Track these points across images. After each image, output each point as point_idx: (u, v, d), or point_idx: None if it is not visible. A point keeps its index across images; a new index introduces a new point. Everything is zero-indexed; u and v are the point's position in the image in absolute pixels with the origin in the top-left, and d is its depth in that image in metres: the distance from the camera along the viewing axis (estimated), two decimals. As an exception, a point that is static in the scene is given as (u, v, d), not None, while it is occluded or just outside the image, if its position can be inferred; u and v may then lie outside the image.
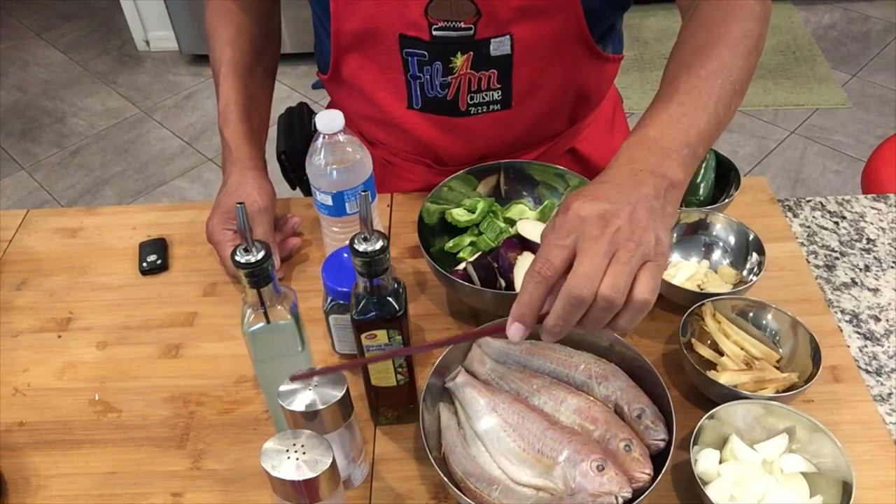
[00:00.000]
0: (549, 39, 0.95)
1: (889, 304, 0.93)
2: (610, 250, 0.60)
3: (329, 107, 1.21)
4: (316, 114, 1.27)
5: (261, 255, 0.65)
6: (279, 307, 0.69)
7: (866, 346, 0.89)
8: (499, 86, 0.98)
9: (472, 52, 0.94)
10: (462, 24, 0.92)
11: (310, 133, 1.25)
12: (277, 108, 1.22)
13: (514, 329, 0.63)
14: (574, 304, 0.60)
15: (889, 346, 0.88)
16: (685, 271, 0.93)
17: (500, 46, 0.94)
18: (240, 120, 1.02)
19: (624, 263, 0.59)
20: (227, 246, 0.96)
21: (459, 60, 0.95)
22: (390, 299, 0.71)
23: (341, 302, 0.82)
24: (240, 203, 0.66)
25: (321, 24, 1.04)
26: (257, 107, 1.07)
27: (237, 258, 0.65)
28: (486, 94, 0.99)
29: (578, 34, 0.97)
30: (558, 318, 0.61)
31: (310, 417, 0.66)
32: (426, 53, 0.95)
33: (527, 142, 1.08)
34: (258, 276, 0.66)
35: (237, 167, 1.00)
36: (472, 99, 0.99)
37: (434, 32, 0.93)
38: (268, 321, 0.69)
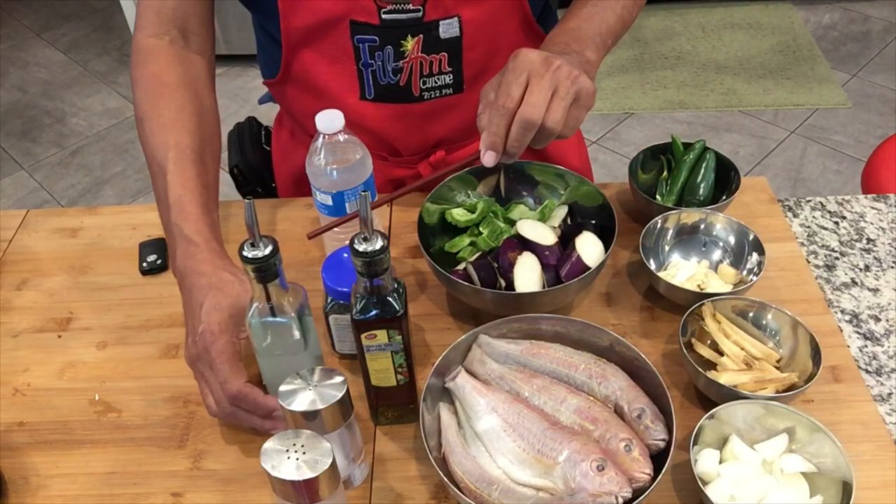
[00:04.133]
0: (495, 20, 0.98)
1: (889, 304, 0.93)
2: (552, 84, 0.79)
3: (281, 117, 1.21)
4: (265, 127, 1.27)
5: (268, 249, 0.65)
6: (285, 304, 0.69)
7: (866, 346, 0.89)
8: (450, 69, 1.00)
9: (422, 35, 0.96)
10: (410, 6, 0.93)
11: (262, 146, 1.25)
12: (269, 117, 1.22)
13: (488, 156, 0.83)
14: (526, 127, 0.79)
15: (889, 346, 0.88)
16: (685, 271, 0.93)
17: (448, 29, 0.96)
18: (200, 214, 0.85)
19: (561, 98, 0.79)
20: (234, 366, 0.76)
21: (410, 44, 0.96)
22: (390, 299, 0.71)
23: (341, 302, 0.82)
24: (248, 199, 0.66)
25: (263, 29, 1.03)
26: (214, 198, 0.91)
27: (244, 253, 0.65)
28: (438, 78, 1.00)
29: (521, 15, 1.00)
30: (514, 139, 0.81)
31: (310, 417, 0.66)
32: (377, 38, 0.96)
33: (475, 127, 1.08)
34: (265, 271, 0.66)
35: (215, 266, 0.80)
36: (424, 84, 1.00)
37: (383, 16, 0.94)
38: (273, 316, 0.69)
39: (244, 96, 3.10)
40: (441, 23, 0.95)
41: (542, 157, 1.14)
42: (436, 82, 1.00)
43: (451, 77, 1.00)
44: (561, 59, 0.81)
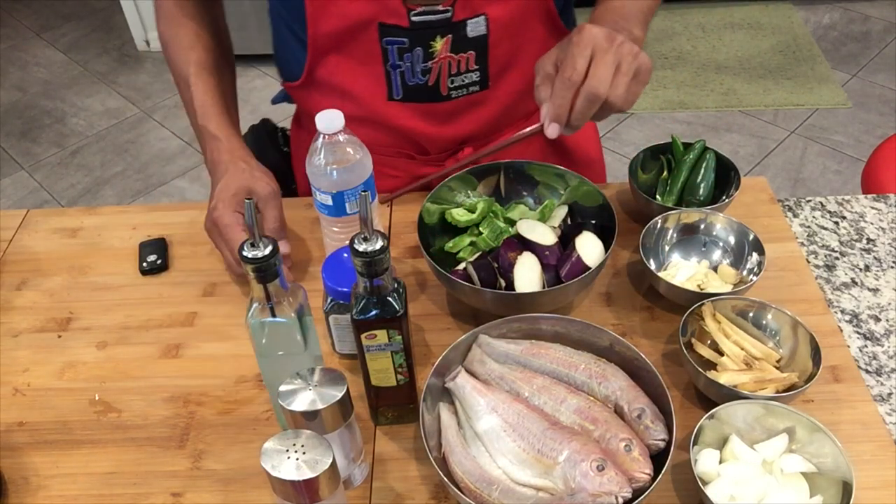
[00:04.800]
0: (521, 17, 0.99)
1: (889, 304, 0.93)
2: (616, 60, 0.80)
3: (296, 114, 1.21)
4: (281, 129, 1.27)
5: (268, 249, 0.65)
6: (285, 304, 0.69)
7: (866, 346, 0.89)
8: (476, 67, 1.01)
9: (450, 35, 0.96)
10: (440, 7, 0.94)
11: (279, 148, 1.26)
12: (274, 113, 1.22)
13: (553, 128, 0.84)
14: (591, 101, 0.80)
15: (889, 346, 0.88)
16: (685, 271, 0.93)
17: (476, 27, 0.96)
18: (221, 114, 1.01)
19: (624, 74, 0.81)
20: (237, 230, 0.90)
21: (439, 44, 0.97)
22: (390, 299, 0.71)
23: (341, 302, 0.82)
24: (249, 198, 0.66)
25: (290, 31, 1.04)
26: (234, 105, 1.07)
27: (244, 253, 0.65)
28: (465, 77, 1.01)
29: (545, 11, 1.01)
30: (578, 112, 0.82)
31: (310, 417, 0.66)
32: (406, 40, 0.96)
33: (503, 122, 1.10)
34: (265, 271, 0.66)
35: (234, 156, 0.96)
36: (452, 82, 1.01)
37: (413, 18, 0.94)
38: (273, 315, 0.69)
39: (243, 97, 3.07)
40: (469, 22, 0.96)
41: (563, 145, 1.16)
42: (463, 80, 1.01)
43: (478, 74, 1.01)
44: (622, 36, 0.82)
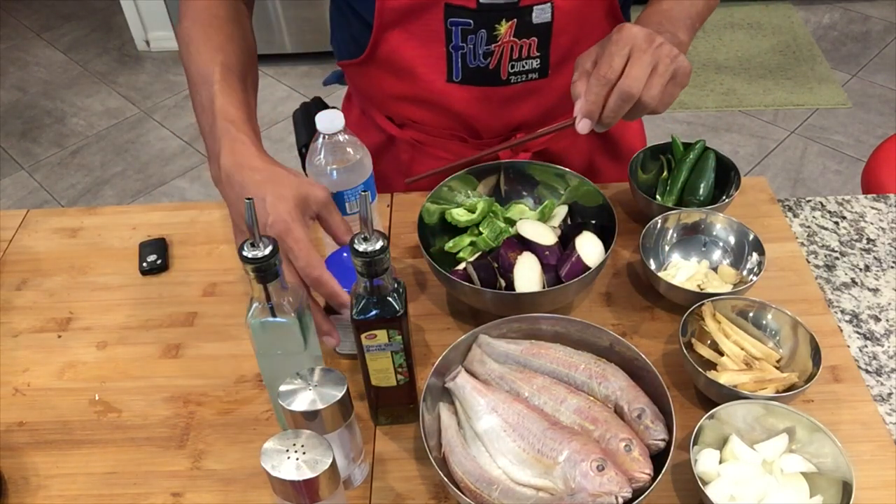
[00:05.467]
0: (586, 7, 0.99)
1: (889, 304, 0.93)
2: (653, 61, 0.80)
3: (350, 95, 1.22)
4: (332, 108, 1.28)
5: (268, 249, 0.65)
6: (285, 304, 0.69)
7: (866, 346, 0.89)
8: (538, 54, 1.01)
9: (515, 20, 0.97)
10: None
11: None
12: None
13: (584, 123, 0.84)
14: (624, 99, 0.80)
15: (889, 346, 0.88)
16: (685, 271, 0.93)
17: (541, 14, 0.97)
18: (247, 119, 0.89)
19: (660, 75, 0.81)
20: (307, 247, 0.76)
21: (503, 28, 0.97)
22: (390, 299, 0.71)
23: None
24: (248, 198, 0.66)
25: (350, 7, 1.04)
26: (255, 116, 0.94)
27: (244, 252, 0.65)
28: (526, 63, 1.01)
29: (609, 4, 1.01)
30: (610, 110, 0.81)
31: (310, 417, 0.66)
32: (471, 22, 0.97)
33: (558, 112, 1.10)
34: (265, 271, 0.66)
35: (267, 161, 0.83)
36: (512, 67, 1.01)
37: (481, 0, 0.95)
38: (273, 315, 0.69)
39: (244, 96, 3.09)
40: (535, 8, 0.96)
41: (611, 138, 1.17)
42: (523, 66, 1.02)
43: (538, 62, 1.02)
44: (662, 37, 0.83)
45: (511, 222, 0.97)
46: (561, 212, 0.98)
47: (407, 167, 1.15)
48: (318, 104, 1.28)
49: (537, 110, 1.08)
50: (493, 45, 0.98)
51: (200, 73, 0.92)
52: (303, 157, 1.22)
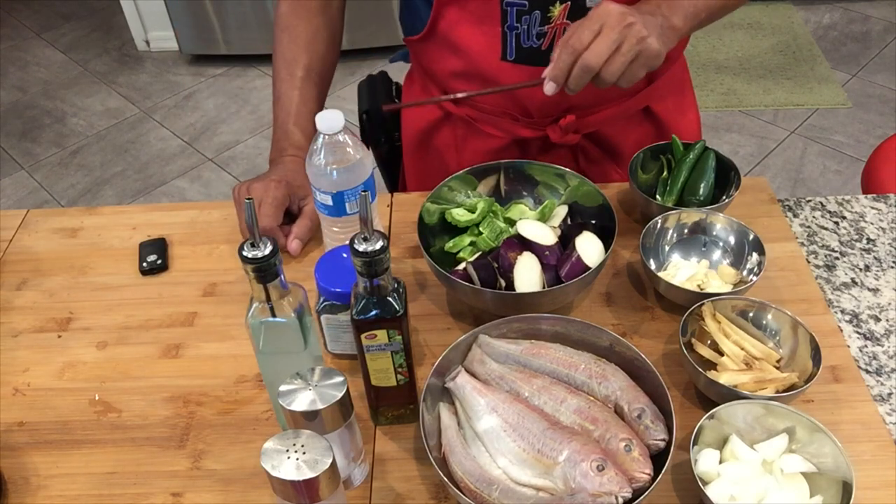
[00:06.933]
0: None
1: (889, 304, 0.93)
2: (619, 39, 0.84)
3: (412, 73, 1.25)
4: (396, 83, 1.33)
5: (268, 249, 0.65)
6: (285, 303, 0.69)
7: (866, 346, 0.89)
8: None
9: (570, 2, 0.98)
10: None
11: (392, 99, 1.31)
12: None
13: (549, 86, 0.89)
14: (585, 70, 0.86)
15: (889, 346, 0.88)
16: (685, 271, 0.93)
17: None
18: (308, 125, 1.07)
19: (622, 54, 0.85)
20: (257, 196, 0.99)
21: (557, 10, 0.99)
22: (390, 299, 0.71)
23: (334, 302, 0.82)
24: (248, 198, 0.66)
25: None
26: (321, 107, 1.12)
27: (244, 253, 0.66)
28: None
29: None
30: (573, 78, 0.87)
31: (310, 417, 0.66)
32: (526, 3, 0.99)
33: (608, 96, 1.11)
34: (265, 271, 0.66)
35: (299, 170, 1.03)
36: None
37: None
38: (273, 316, 0.69)
39: (244, 97, 3.10)
40: None
41: (665, 127, 1.19)
42: None
43: None
44: (639, 18, 0.86)
45: (511, 222, 0.97)
46: (561, 212, 0.98)
47: (461, 142, 1.17)
48: (384, 78, 1.32)
49: (587, 92, 1.07)
50: (546, 27, 1.00)
51: (287, 66, 1.11)
52: (362, 123, 1.30)
